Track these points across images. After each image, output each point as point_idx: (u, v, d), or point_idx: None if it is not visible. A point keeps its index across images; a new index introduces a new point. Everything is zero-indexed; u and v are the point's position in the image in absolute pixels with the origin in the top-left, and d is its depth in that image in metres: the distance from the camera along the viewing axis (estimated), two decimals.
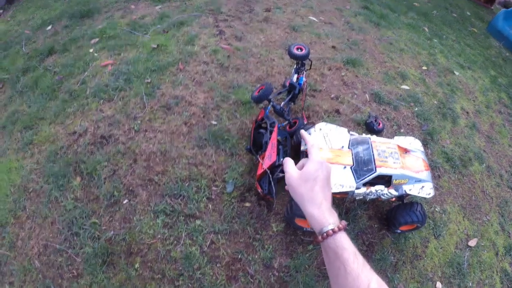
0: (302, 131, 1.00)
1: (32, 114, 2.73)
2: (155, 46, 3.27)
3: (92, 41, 3.46)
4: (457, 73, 4.03)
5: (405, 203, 2.09)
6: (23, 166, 2.42)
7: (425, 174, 2.00)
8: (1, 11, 5.01)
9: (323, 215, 0.81)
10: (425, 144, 2.82)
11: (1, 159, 2.52)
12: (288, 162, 0.92)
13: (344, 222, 0.81)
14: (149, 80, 2.88)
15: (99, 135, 2.47)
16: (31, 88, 3.01)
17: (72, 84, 2.96)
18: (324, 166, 0.88)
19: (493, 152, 3.19)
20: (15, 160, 2.47)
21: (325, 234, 0.78)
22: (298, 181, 0.87)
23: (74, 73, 3.08)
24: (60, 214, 2.14)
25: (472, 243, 2.43)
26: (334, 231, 0.78)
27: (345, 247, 0.77)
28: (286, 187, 0.92)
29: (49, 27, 3.99)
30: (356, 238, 2.19)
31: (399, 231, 2.18)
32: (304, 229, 2.09)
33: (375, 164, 1.91)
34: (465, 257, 2.34)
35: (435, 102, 3.39)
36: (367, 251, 2.17)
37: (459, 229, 2.48)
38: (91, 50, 3.32)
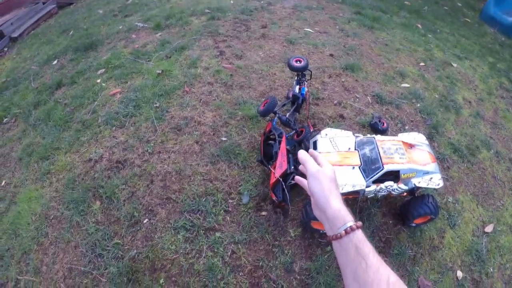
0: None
1: (47, 145, 2.84)
2: (160, 71, 3.39)
3: (99, 72, 3.60)
4: (455, 65, 4.09)
5: (417, 196, 2.14)
6: (43, 195, 2.51)
7: (432, 166, 2.05)
8: (6, 49, 5.21)
9: (346, 211, 0.85)
10: (430, 138, 2.87)
11: (20, 189, 2.62)
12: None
13: (360, 222, 0.83)
14: (157, 105, 2.98)
15: (114, 160, 2.56)
16: (44, 121, 3.14)
17: (83, 114, 3.07)
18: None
19: (500, 137, 3.22)
20: (34, 189, 2.57)
21: (349, 228, 0.80)
22: (326, 177, 0.90)
23: (84, 103, 3.21)
24: (83, 237, 2.21)
25: (489, 229, 2.44)
26: (357, 226, 0.81)
27: (366, 241, 0.80)
28: (301, 185, 0.97)
29: (55, 62, 4.15)
30: (372, 235, 2.22)
31: (414, 224, 2.21)
32: (321, 231, 2.13)
33: (382, 161, 1.97)
34: (483, 244, 2.36)
35: (436, 96, 3.44)
36: (385, 247, 2.20)
37: (474, 217, 2.50)
38: (98, 81, 3.45)
